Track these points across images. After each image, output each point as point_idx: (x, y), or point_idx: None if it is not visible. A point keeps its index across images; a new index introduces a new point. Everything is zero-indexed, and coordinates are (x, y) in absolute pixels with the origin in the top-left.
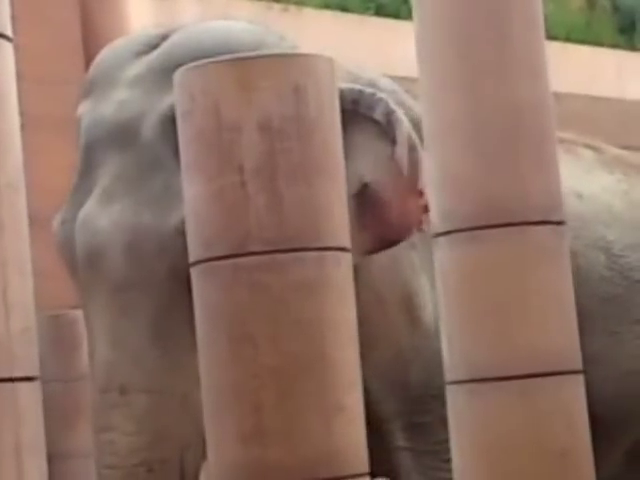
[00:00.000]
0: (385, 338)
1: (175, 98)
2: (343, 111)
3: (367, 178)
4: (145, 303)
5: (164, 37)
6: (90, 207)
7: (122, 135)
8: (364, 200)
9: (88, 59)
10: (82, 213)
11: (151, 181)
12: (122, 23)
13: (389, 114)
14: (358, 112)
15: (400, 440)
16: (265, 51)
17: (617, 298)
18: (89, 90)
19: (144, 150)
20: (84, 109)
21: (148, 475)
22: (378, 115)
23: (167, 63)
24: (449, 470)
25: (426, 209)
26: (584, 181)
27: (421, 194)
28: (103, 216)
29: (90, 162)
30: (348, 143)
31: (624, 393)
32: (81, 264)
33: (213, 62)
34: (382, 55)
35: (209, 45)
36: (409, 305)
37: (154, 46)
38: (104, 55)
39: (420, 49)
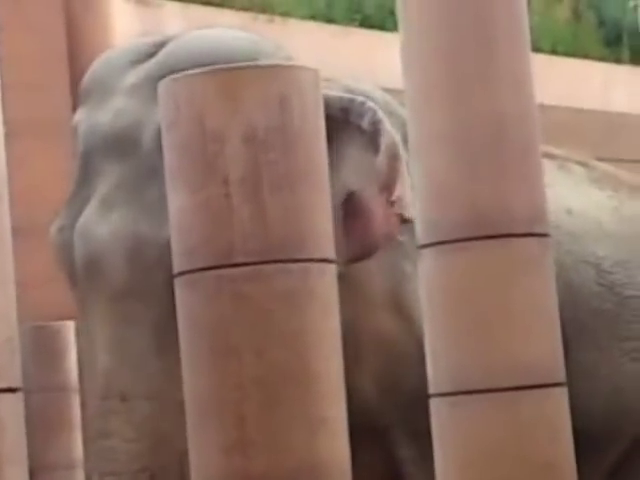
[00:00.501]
0: (378, 344)
1: (160, 108)
2: (334, 119)
3: (353, 187)
4: (145, 311)
5: (160, 46)
6: (89, 215)
7: (119, 144)
8: (349, 209)
9: (73, 66)
10: (81, 221)
11: (149, 190)
12: (107, 30)
13: (376, 123)
14: (348, 120)
15: (404, 449)
16: (263, 60)
17: (606, 313)
18: (84, 99)
19: (142, 159)
20: (79, 117)
21: None
22: (366, 124)
23: (164, 71)
24: None
25: (399, 218)
26: (575, 197)
27: (393, 204)
28: (102, 224)
29: (87, 170)
30: (337, 151)
31: (613, 408)
32: (80, 272)
33: (198, 72)
34: (367, 66)
35: (207, 54)
36: (400, 311)
37: (150, 55)
38: (99, 64)
39: (405, 59)
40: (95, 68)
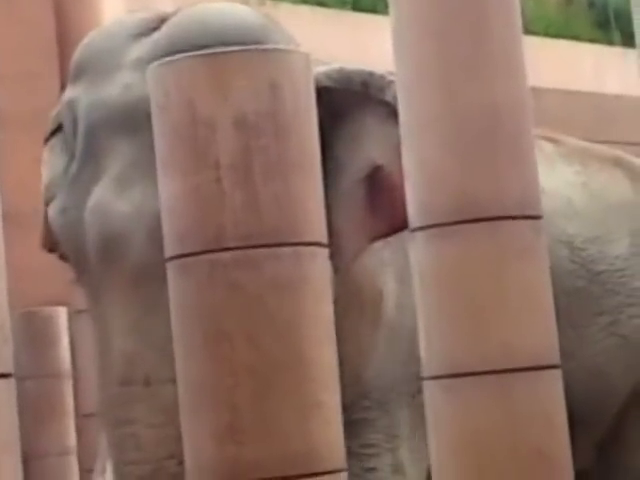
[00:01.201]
0: (352, 333)
1: (150, 93)
2: (354, 93)
3: (380, 161)
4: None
5: (161, 20)
6: (103, 194)
7: (130, 119)
8: (376, 183)
9: (62, 56)
10: (93, 200)
11: None
12: (96, 20)
13: None
14: (368, 94)
15: None
16: (272, 35)
17: (581, 291)
18: (80, 74)
19: None
20: (75, 94)
21: (179, 468)
22: (390, 97)
23: (172, 46)
24: None
25: None
26: (544, 175)
27: None
28: (121, 202)
29: (93, 147)
30: (358, 125)
31: (591, 388)
32: (95, 253)
33: (187, 57)
34: (359, 50)
35: (216, 27)
36: (375, 303)
37: (153, 28)
38: (95, 38)
39: (396, 44)
40: (89, 44)
